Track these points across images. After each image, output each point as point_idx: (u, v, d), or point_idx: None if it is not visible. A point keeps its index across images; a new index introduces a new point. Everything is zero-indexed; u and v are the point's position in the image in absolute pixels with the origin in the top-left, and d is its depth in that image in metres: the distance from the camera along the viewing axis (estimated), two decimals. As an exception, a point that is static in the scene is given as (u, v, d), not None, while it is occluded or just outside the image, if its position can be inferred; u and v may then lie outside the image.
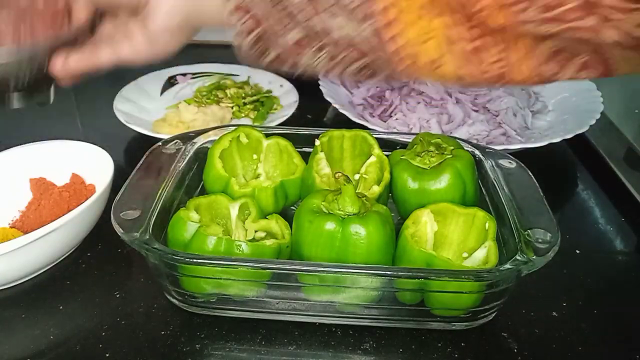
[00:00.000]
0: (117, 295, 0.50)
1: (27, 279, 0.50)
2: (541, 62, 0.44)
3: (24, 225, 0.56)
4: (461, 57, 0.43)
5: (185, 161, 0.54)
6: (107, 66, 0.57)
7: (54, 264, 0.52)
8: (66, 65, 0.55)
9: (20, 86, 0.57)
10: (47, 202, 0.56)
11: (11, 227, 0.56)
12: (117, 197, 0.47)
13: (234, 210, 0.49)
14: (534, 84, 0.47)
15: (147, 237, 0.43)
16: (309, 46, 0.47)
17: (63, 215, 0.48)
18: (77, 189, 0.58)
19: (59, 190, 0.58)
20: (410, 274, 0.43)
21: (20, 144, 0.60)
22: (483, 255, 0.47)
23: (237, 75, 0.89)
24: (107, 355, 0.44)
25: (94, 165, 0.58)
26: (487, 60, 0.43)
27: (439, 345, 0.46)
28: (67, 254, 0.53)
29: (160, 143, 0.56)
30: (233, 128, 0.56)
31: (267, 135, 0.57)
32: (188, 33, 0.57)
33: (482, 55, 0.43)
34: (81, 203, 0.50)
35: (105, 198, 0.53)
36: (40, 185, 0.58)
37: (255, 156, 0.57)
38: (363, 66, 0.47)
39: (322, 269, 0.43)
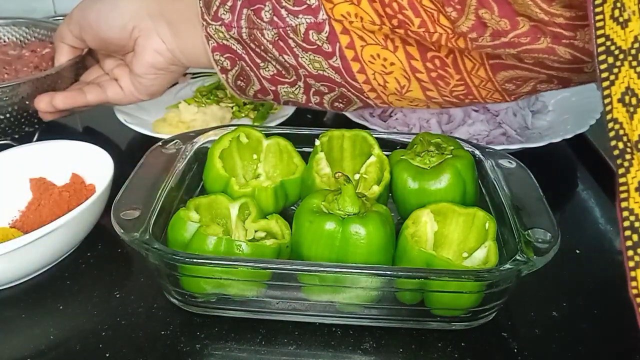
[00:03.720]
0: (117, 295, 0.50)
1: (27, 279, 0.50)
2: (501, 84, 0.47)
3: (24, 225, 0.56)
4: (425, 83, 0.47)
5: (185, 161, 0.54)
6: (92, 106, 0.62)
7: (54, 264, 0.52)
8: (52, 102, 0.60)
9: (4, 126, 0.64)
10: (47, 202, 0.56)
11: (11, 227, 0.56)
12: (117, 197, 0.47)
13: (234, 210, 0.49)
14: (496, 101, 0.51)
15: (147, 237, 0.43)
16: (284, 79, 0.51)
17: (63, 215, 0.48)
18: (77, 188, 0.57)
19: (59, 190, 0.57)
20: (410, 274, 0.43)
21: (21, 145, 0.60)
22: (483, 255, 0.47)
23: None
24: (107, 355, 0.44)
25: (94, 165, 0.57)
26: (449, 86, 0.48)
27: (439, 345, 0.46)
28: (67, 254, 0.53)
29: (160, 143, 0.56)
30: (233, 128, 0.56)
31: (267, 135, 0.56)
32: (173, 74, 0.60)
33: (445, 81, 0.47)
34: (81, 203, 0.50)
35: (105, 198, 0.53)
36: (40, 185, 0.58)
37: (255, 156, 0.57)
38: (337, 96, 0.51)
39: (322, 269, 0.43)
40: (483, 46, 0.42)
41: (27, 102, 0.63)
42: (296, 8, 0.47)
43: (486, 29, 0.41)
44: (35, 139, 0.68)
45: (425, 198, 0.50)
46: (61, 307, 0.49)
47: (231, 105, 0.81)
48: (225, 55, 0.51)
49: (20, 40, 0.78)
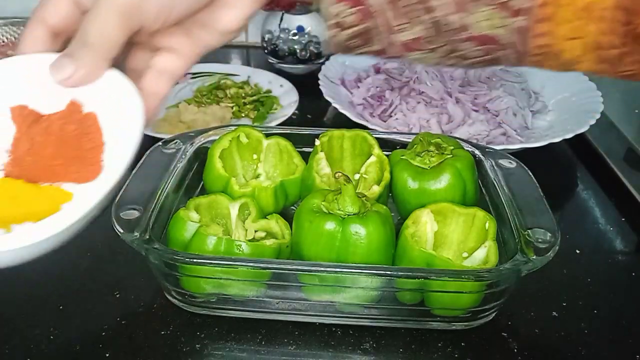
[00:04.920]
0: (117, 295, 0.50)
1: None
2: None
3: (22, 170, 0.40)
4: (604, 60, 0.42)
5: (185, 161, 0.54)
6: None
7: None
8: None
9: None
10: (44, 138, 0.40)
11: (6, 176, 0.40)
12: (117, 197, 0.47)
13: (234, 210, 0.49)
14: None
15: (147, 237, 0.43)
16: (425, 45, 0.43)
17: (75, 154, 0.38)
18: (79, 119, 0.41)
19: (58, 122, 0.41)
20: (410, 274, 0.43)
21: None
22: (483, 255, 0.47)
23: (237, 75, 0.89)
24: (107, 355, 0.44)
25: (97, 88, 0.39)
26: (626, 63, 0.43)
27: (439, 345, 0.46)
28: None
29: (160, 143, 0.56)
30: (233, 128, 0.56)
31: (267, 135, 0.56)
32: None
33: (624, 59, 0.42)
34: (93, 139, 0.39)
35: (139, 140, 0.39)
36: (26, 116, 0.41)
37: (255, 156, 0.57)
38: (489, 59, 0.45)
39: (322, 269, 0.43)
40: None
41: None
42: None
43: None
44: None
45: (425, 198, 0.50)
46: (61, 307, 0.49)
47: (231, 105, 0.81)
48: (354, 8, 0.42)
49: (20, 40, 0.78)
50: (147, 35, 0.43)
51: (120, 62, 0.42)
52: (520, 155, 0.57)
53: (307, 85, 0.77)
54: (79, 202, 0.35)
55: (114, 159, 0.38)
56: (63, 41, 0.41)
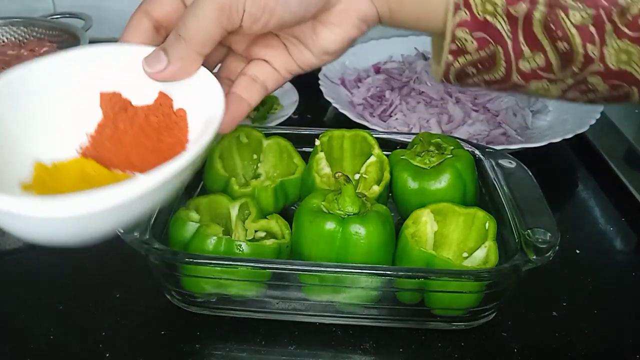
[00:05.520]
0: (117, 295, 0.50)
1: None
2: None
3: (99, 154, 0.40)
4: None
5: (185, 161, 0.54)
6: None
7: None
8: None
9: None
10: (127, 126, 0.40)
11: (82, 156, 0.40)
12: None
13: (234, 210, 0.49)
14: None
15: (147, 237, 0.43)
16: (551, 74, 0.39)
17: (154, 147, 0.38)
18: (166, 113, 0.41)
19: (143, 112, 0.41)
20: (410, 274, 0.43)
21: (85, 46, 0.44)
22: (483, 255, 0.47)
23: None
24: (107, 355, 0.44)
25: (186, 85, 0.39)
26: None
27: (439, 345, 0.46)
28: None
29: (160, 143, 0.56)
30: (233, 128, 0.56)
31: (267, 135, 0.56)
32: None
33: None
34: (176, 135, 0.38)
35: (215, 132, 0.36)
36: (115, 103, 0.41)
37: (255, 156, 0.57)
38: (617, 95, 0.41)
39: (322, 269, 0.43)
40: None
41: None
42: None
43: None
44: None
45: (425, 198, 0.50)
46: (61, 307, 0.49)
47: (231, 105, 0.81)
48: (476, 35, 0.39)
49: (19, 40, 0.78)
50: (244, 44, 0.42)
51: (212, 70, 0.41)
52: (520, 155, 0.57)
53: (307, 85, 0.77)
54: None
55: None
56: (164, 35, 0.40)
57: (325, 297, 0.46)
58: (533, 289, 0.51)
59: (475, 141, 0.66)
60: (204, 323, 0.47)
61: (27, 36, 0.78)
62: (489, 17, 0.38)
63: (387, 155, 0.54)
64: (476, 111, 0.76)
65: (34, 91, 0.39)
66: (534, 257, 0.42)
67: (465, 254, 0.48)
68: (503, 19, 0.38)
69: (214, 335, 0.46)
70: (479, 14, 0.38)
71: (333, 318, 0.47)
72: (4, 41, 0.77)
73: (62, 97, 0.40)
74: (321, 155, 0.55)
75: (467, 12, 0.38)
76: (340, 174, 0.45)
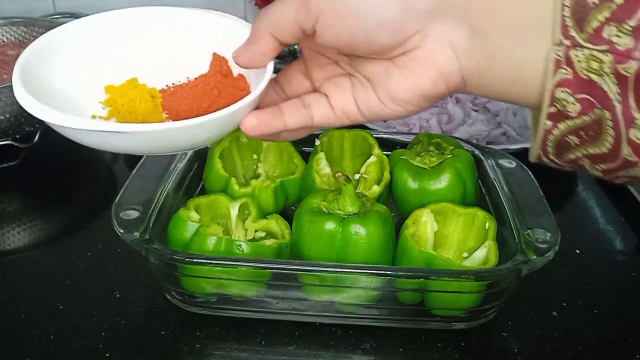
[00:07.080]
0: (117, 295, 0.50)
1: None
2: None
3: (171, 103, 0.43)
4: None
5: (185, 161, 0.54)
6: (291, 131, 0.40)
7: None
8: (241, 126, 0.39)
9: None
10: (208, 90, 0.43)
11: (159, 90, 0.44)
12: (117, 197, 0.47)
13: (234, 210, 0.49)
14: None
15: (147, 237, 0.43)
16: None
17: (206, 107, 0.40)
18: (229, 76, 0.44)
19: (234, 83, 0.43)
20: (410, 274, 0.43)
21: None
22: (483, 255, 0.47)
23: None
24: (107, 355, 0.44)
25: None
26: None
27: (439, 345, 0.46)
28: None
29: (160, 143, 0.56)
30: (233, 128, 0.56)
31: (267, 135, 0.56)
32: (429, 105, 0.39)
33: None
34: (230, 101, 0.40)
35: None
36: (220, 68, 0.43)
37: (255, 156, 0.57)
38: None
39: (322, 269, 0.43)
40: None
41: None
42: None
43: None
44: (35, 139, 0.68)
45: (425, 198, 0.50)
46: (61, 307, 0.49)
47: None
48: (579, 96, 0.33)
49: (19, 40, 0.78)
50: (315, 72, 0.41)
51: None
52: (520, 155, 0.57)
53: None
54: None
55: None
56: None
57: (325, 297, 0.46)
58: (533, 289, 0.51)
59: (475, 141, 0.66)
60: (204, 323, 0.47)
61: (27, 36, 0.77)
62: (593, 76, 0.32)
63: (387, 155, 0.54)
64: (476, 111, 0.76)
65: (140, 30, 0.44)
66: (534, 257, 0.42)
67: (465, 254, 0.48)
68: (610, 79, 0.32)
69: (214, 335, 0.46)
70: (582, 72, 0.32)
71: (333, 318, 0.47)
72: (4, 41, 0.77)
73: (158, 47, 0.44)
74: (321, 155, 0.55)
75: (569, 70, 0.33)
76: (340, 174, 0.45)
